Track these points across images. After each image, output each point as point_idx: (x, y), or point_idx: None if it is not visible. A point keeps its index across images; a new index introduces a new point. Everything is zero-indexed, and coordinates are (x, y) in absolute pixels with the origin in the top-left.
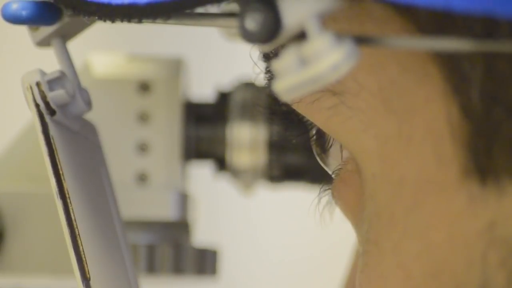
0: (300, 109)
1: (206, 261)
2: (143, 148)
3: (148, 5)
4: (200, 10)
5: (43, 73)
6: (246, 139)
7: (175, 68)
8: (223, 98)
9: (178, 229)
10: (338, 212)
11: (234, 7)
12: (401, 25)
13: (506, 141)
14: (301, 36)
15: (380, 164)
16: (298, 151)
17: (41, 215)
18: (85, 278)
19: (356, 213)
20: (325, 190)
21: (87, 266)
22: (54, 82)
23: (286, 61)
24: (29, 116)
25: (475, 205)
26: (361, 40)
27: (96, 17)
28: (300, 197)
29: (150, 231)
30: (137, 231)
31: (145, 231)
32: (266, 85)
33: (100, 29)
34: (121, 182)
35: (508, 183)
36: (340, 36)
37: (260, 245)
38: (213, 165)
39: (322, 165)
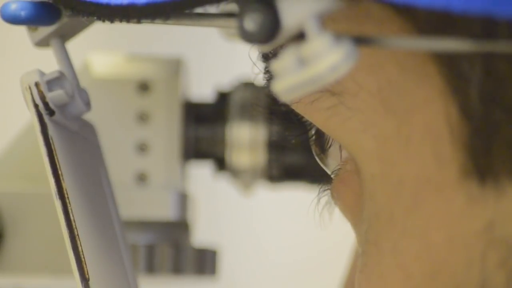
0: (299, 109)
1: (205, 261)
2: (142, 148)
3: (147, 6)
4: (199, 10)
5: (42, 74)
6: (246, 139)
7: (174, 68)
8: (223, 98)
9: (178, 229)
10: (337, 212)
11: (233, 7)
12: (400, 25)
13: (505, 142)
14: (300, 37)
15: (379, 164)
16: (297, 151)
17: (41, 215)
18: (84, 279)
19: (355, 213)
20: (325, 190)
21: (86, 267)
22: (53, 82)
23: (285, 62)
24: (28, 117)
25: (474, 205)
26: (360, 41)
27: (95, 18)
28: (300, 197)
29: (150, 231)
30: (137, 231)
31: (145, 231)
32: (265, 85)
33: (99, 29)
34: (121, 182)
35: (507, 183)
36: (339, 36)
37: (260, 245)
38: (213, 165)
39: (321, 165)
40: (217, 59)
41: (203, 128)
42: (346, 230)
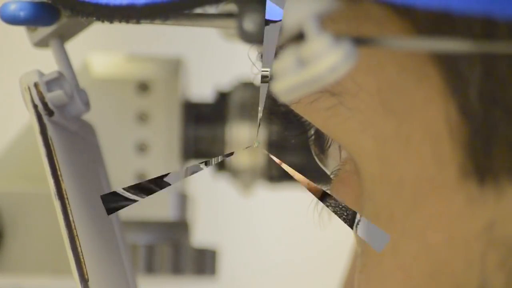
0: (299, 110)
1: (205, 261)
2: (142, 148)
3: (146, 6)
4: (198, 10)
5: (41, 74)
6: (245, 139)
7: (174, 68)
8: (222, 98)
9: (178, 229)
10: None
11: (232, 7)
12: (399, 25)
13: (504, 142)
14: (299, 37)
15: (378, 164)
16: (297, 151)
17: (40, 215)
18: (84, 279)
19: None
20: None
21: (85, 267)
22: (52, 82)
23: (284, 62)
24: (28, 117)
25: (474, 205)
26: (359, 41)
27: (94, 18)
28: (299, 197)
29: (150, 231)
30: (137, 231)
31: (145, 231)
32: None
33: (99, 29)
34: (121, 182)
35: (506, 183)
36: (338, 36)
37: (259, 245)
38: (213, 165)
39: (321, 165)
40: (217, 59)
41: (203, 128)
42: (346, 230)
